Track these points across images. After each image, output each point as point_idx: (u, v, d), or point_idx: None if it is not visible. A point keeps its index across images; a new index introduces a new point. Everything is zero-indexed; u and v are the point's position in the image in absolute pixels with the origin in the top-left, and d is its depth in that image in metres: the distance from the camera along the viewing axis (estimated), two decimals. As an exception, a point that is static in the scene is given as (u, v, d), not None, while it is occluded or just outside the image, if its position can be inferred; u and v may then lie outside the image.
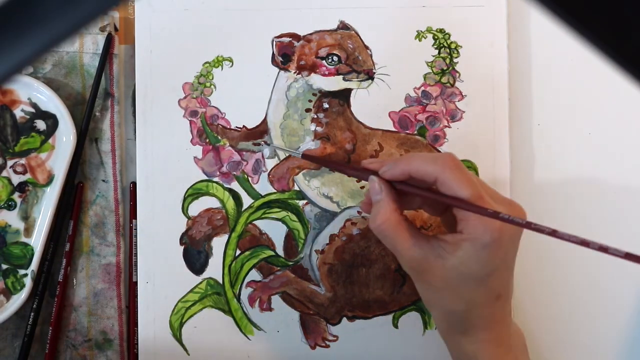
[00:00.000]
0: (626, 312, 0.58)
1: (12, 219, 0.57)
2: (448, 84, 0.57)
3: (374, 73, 0.57)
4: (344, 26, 0.58)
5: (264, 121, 0.58)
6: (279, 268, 0.58)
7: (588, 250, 0.56)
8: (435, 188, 0.46)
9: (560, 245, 0.58)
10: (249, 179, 0.57)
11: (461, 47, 0.57)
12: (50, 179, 0.57)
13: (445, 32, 0.57)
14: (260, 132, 0.58)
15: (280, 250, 0.58)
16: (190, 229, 0.57)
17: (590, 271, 0.58)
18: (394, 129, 0.57)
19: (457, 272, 0.45)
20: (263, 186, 0.58)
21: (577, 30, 0.23)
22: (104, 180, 0.58)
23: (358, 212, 0.57)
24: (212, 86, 0.58)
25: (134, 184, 0.58)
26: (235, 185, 0.57)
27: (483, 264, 0.45)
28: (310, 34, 0.57)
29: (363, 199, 0.57)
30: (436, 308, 0.49)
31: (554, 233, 0.40)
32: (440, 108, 0.57)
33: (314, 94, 0.57)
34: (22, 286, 0.56)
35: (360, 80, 0.57)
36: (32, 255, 0.56)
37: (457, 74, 0.57)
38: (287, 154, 0.57)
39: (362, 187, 0.57)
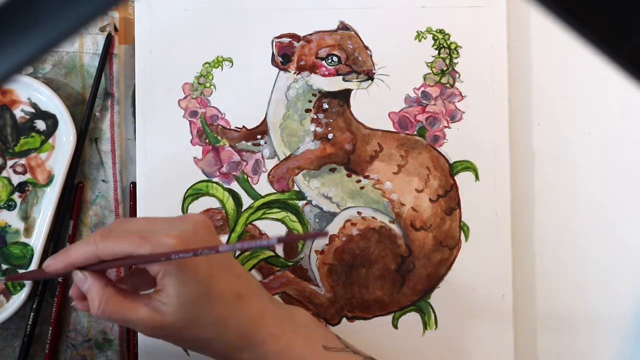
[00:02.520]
0: (626, 312, 0.58)
1: (12, 219, 0.57)
2: (448, 85, 0.57)
3: (374, 73, 0.57)
4: (343, 27, 0.58)
5: (264, 121, 0.58)
6: (278, 268, 0.58)
7: (588, 250, 0.56)
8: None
9: (561, 245, 0.58)
10: (249, 179, 0.57)
11: (461, 47, 0.57)
12: (50, 179, 0.57)
13: (445, 32, 0.57)
14: (260, 133, 0.58)
15: (280, 251, 0.58)
16: (190, 229, 0.57)
17: (590, 271, 0.58)
18: (393, 130, 0.57)
19: (185, 306, 0.45)
20: (263, 186, 0.57)
21: (577, 30, 0.23)
22: (103, 180, 0.58)
23: (358, 212, 0.57)
24: (212, 86, 0.58)
25: (134, 184, 0.58)
26: (235, 186, 0.57)
27: (194, 281, 0.45)
28: (310, 34, 0.57)
29: (363, 199, 0.57)
30: (207, 349, 0.48)
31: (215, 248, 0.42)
32: (440, 108, 0.57)
33: (314, 95, 0.57)
34: (22, 286, 0.56)
35: (360, 81, 0.57)
36: (32, 255, 0.56)
37: (457, 75, 0.57)
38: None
39: (362, 188, 0.57)
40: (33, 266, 0.56)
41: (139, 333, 0.57)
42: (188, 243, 0.44)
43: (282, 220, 0.57)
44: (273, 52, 0.58)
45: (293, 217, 0.57)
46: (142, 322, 0.46)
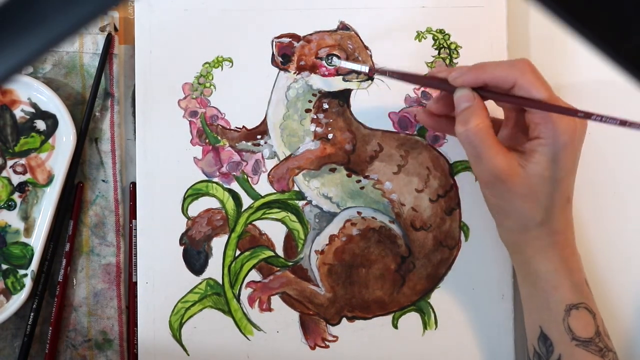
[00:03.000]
0: (626, 312, 0.58)
1: (12, 219, 0.57)
2: (448, 85, 0.57)
3: (374, 73, 0.57)
4: (344, 27, 0.58)
5: (264, 121, 0.58)
6: (278, 268, 0.58)
7: (588, 250, 0.56)
8: (512, 93, 0.48)
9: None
10: (249, 179, 0.57)
11: (461, 47, 0.57)
12: (50, 179, 0.57)
13: (445, 32, 0.57)
14: (260, 133, 0.58)
15: (280, 251, 0.58)
16: (190, 230, 0.57)
17: (590, 271, 0.58)
18: (393, 130, 0.57)
19: (537, 177, 0.47)
20: (263, 186, 0.57)
21: (577, 30, 0.23)
22: (103, 180, 0.58)
23: (358, 212, 0.57)
24: (212, 86, 0.58)
25: (134, 184, 0.58)
26: (235, 186, 0.57)
27: (560, 166, 0.47)
28: (310, 34, 0.57)
29: (363, 199, 0.57)
30: (511, 217, 0.50)
31: (623, 124, 0.43)
32: (440, 108, 0.57)
33: (314, 95, 0.57)
34: (22, 286, 0.56)
35: (360, 81, 0.57)
36: (32, 255, 0.56)
37: (457, 75, 0.57)
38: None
39: (362, 188, 0.57)
40: (33, 266, 0.56)
41: (139, 332, 0.57)
42: (575, 129, 0.47)
43: (282, 220, 0.57)
44: (273, 52, 0.58)
45: (293, 217, 0.57)
46: (495, 167, 0.47)
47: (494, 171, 0.48)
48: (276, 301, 0.57)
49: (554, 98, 0.47)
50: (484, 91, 0.49)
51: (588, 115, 0.45)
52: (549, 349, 0.50)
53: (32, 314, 0.56)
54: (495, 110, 0.52)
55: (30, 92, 0.57)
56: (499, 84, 0.48)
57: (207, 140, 0.58)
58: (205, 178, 0.57)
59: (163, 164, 0.57)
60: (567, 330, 0.49)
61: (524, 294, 0.52)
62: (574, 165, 0.49)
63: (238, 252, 0.57)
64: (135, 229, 0.58)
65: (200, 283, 0.57)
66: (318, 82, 0.57)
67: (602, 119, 0.44)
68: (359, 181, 0.57)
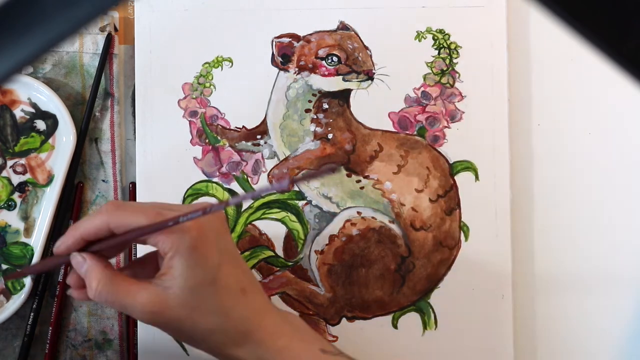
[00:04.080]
0: (625, 316, 0.58)
1: (12, 219, 0.57)
2: (448, 85, 0.57)
3: (374, 73, 0.57)
4: (343, 26, 0.58)
5: (264, 122, 0.58)
6: (278, 268, 0.58)
7: (588, 250, 0.56)
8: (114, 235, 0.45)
9: (560, 245, 0.58)
10: (249, 179, 0.57)
11: (461, 47, 0.57)
12: (50, 179, 0.57)
13: (445, 32, 0.57)
14: (259, 133, 0.58)
15: (279, 251, 0.58)
16: (190, 229, 0.57)
17: (590, 271, 0.58)
18: (393, 130, 0.57)
19: (190, 290, 0.44)
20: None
21: (577, 30, 0.23)
22: (103, 180, 0.58)
23: (358, 212, 0.57)
24: (212, 86, 0.58)
25: (134, 184, 0.58)
26: (234, 186, 0.57)
27: (203, 266, 0.44)
28: (310, 34, 0.57)
29: (363, 199, 0.57)
30: (204, 342, 0.46)
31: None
32: (439, 108, 0.57)
33: (314, 95, 0.57)
34: (22, 286, 0.56)
35: (360, 81, 0.57)
36: (32, 255, 0.56)
37: (457, 75, 0.57)
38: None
39: (362, 188, 0.57)
40: (33, 266, 0.56)
41: (138, 332, 0.57)
42: (201, 224, 0.44)
43: (281, 220, 0.57)
44: (273, 52, 0.58)
45: (293, 217, 0.57)
46: (142, 306, 0.44)
47: (146, 309, 0.44)
48: (276, 301, 0.57)
49: (153, 215, 0.44)
50: (90, 245, 0.46)
51: (176, 222, 0.42)
52: None
53: (32, 314, 0.56)
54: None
55: (30, 92, 0.57)
56: (99, 234, 0.45)
57: (207, 140, 0.58)
58: (205, 178, 0.57)
59: (163, 164, 0.57)
60: None
61: None
62: (224, 256, 0.45)
63: (241, 250, 0.57)
64: (135, 229, 0.57)
65: (200, 283, 0.57)
66: (318, 82, 0.57)
67: (177, 221, 0.42)
68: (358, 181, 0.57)
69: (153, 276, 0.45)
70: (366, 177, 0.57)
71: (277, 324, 0.47)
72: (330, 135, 0.57)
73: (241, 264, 0.48)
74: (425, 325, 0.57)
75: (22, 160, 0.57)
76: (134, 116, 0.59)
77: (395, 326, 0.57)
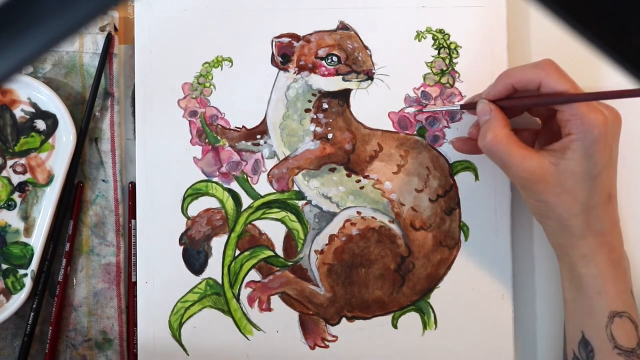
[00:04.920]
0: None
1: (12, 219, 0.57)
2: (447, 85, 0.57)
3: (374, 73, 0.57)
4: (343, 26, 0.58)
5: (264, 121, 0.58)
6: (278, 268, 0.58)
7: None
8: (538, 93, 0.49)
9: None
10: (249, 179, 0.57)
11: (461, 47, 0.57)
12: (50, 179, 0.57)
13: (444, 32, 0.57)
14: (259, 133, 0.58)
15: (279, 251, 0.58)
16: (189, 229, 0.57)
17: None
18: (393, 129, 0.57)
19: (571, 174, 0.47)
20: (262, 186, 0.57)
21: (577, 30, 0.23)
22: (103, 180, 0.58)
23: (357, 212, 0.57)
24: (212, 86, 0.58)
25: (134, 183, 0.58)
26: (234, 186, 0.57)
27: (595, 160, 0.47)
28: (310, 34, 0.57)
29: (363, 199, 0.57)
30: (552, 218, 0.50)
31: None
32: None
33: (314, 94, 0.57)
34: (22, 286, 0.56)
35: (360, 81, 0.57)
36: (32, 255, 0.56)
37: (457, 75, 0.57)
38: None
39: (362, 188, 0.57)
40: (33, 266, 0.56)
41: (138, 332, 0.57)
42: (607, 123, 0.47)
43: (281, 220, 0.57)
44: (273, 52, 0.58)
45: (293, 217, 0.57)
46: (524, 170, 0.48)
47: (524, 174, 0.48)
48: (276, 301, 0.57)
49: (576, 88, 0.48)
50: (507, 100, 0.50)
51: (597, 97, 0.46)
52: (589, 355, 0.50)
53: (32, 313, 0.56)
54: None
55: (30, 92, 0.57)
56: (526, 87, 0.49)
57: (206, 140, 0.58)
58: (205, 178, 0.57)
59: (163, 164, 0.57)
60: (609, 338, 0.49)
61: (567, 298, 0.52)
62: (610, 160, 0.49)
63: (238, 252, 0.57)
64: (135, 229, 0.58)
65: (199, 283, 0.57)
66: (318, 81, 0.57)
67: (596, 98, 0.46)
68: (358, 181, 0.57)
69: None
70: (366, 176, 0.57)
71: (619, 243, 0.51)
72: (330, 135, 0.57)
73: (615, 172, 0.51)
74: (425, 325, 0.57)
75: (22, 160, 0.57)
76: (134, 116, 0.59)
77: (395, 326, 0.57)
